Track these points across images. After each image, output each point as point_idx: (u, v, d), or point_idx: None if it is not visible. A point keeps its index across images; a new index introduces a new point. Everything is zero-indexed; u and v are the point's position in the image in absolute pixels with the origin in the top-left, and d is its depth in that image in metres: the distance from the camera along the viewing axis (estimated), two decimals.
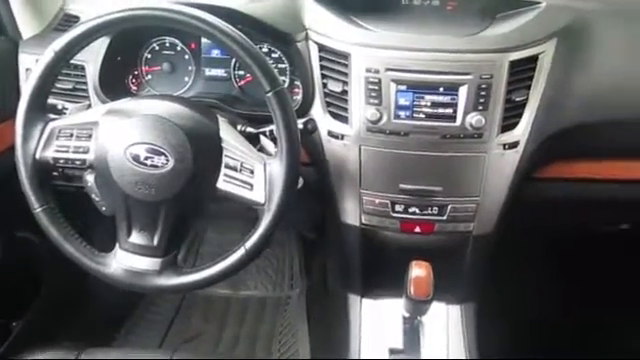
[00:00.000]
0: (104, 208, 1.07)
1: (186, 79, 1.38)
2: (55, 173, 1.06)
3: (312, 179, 1.26)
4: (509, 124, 1.17)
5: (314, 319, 1.85)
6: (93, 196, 1.06)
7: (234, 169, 1.02)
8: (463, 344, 1.35)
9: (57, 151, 1.03)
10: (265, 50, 1.32)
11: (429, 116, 1.16)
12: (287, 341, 1.85)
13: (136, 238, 1.04)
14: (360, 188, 1.25)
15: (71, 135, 1.04)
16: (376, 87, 1.15)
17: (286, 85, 1.33)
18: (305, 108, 1.24)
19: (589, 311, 1.85)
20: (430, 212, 1.24)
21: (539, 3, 1.22)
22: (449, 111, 1.15)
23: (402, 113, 1.16)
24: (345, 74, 1.18)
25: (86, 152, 1.03)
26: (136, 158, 0.98)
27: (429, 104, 1.15)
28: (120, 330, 1.89)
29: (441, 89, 1.15)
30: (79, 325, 1.81)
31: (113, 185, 1.01)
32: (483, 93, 1.14)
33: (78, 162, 1.04)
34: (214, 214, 1.98)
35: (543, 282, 1.90)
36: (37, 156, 1.03)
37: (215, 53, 1.35)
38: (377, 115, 1.16)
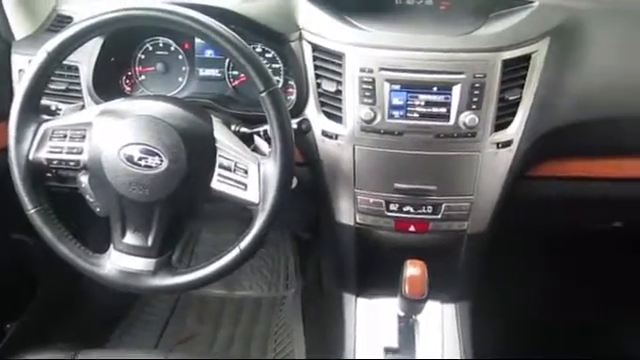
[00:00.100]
0: (98, 209, 1.07)
1: (180, 79, 1.37)
2: (49, 174, 1.06)
3: (306, 179, 1.27)
4: (502, 123, 1.18)
5: (309, 319, 1.85)
6: (87, 197, 1.06)
7: (228, 169, 1.02)
8: (458, 343, 1.35)
9: (50, 152, 1.03)
10: (259, 50, 1.32)
11: (423, 115, 1.16)
12: (282, 341, 1.85)
13: (130, 239, 1.04)
14: (354, 187, 1.25)
15: (65, 136, 1.04)
16: (370, 87, 1.16)
17: (280, 85, 1.33)
18: (299, 108, 1.24)
19: (583, 309, 1.86)
20: (424, 211, 1.24)
21: (532, 2, 1.22)
22: (443, 110, 1.15)
23: (396, 113, 1.16)
24: (339, 74, 1.18)
25: (80, 153, 1.03)
26: (130, 159, 0.98)
27: (423, 103, 1.16)
28: (115, 331, 1.88)
29: (435, 88, 1.15)
30: (74, 326, 1.81)
31: (107, 186, 1.00)
32: (476, 92, 1.14)
33: (72, 163, 1.03)
34: (209, 214, 1.97)
35: (537, 280, 1.91)
36: (30, 157, 1.02)
37: (209, 53, 1.35)
38: (371, 115, 1.16)
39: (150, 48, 1.37)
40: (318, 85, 1.21)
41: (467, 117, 1.14)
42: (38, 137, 1.03)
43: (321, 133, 1.23)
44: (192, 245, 2.18)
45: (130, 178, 0.98)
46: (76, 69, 1.28)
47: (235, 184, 1.02)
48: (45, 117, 1.07)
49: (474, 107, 1.15)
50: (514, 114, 1.18)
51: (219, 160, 1.02)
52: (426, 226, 1.26)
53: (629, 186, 1.36)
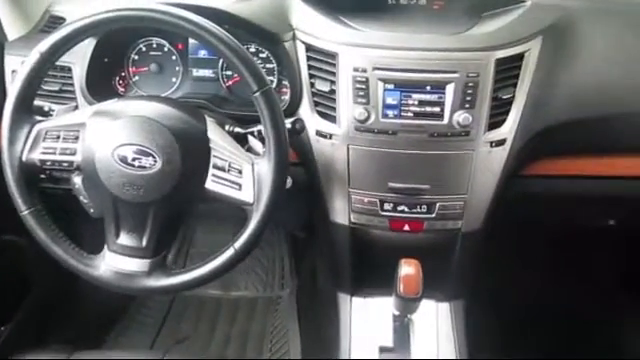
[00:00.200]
0: (92, 210, 1.07)
1: (173, 80, 1.37)
2: (42, 175, 1.06)
3: (301, 179, 1.27)
4: (496, 122, 1.18)
5: (305, 318, 1.85)
6: (81, 198, 1.06)
7: (222, 169, 1.02)
8: (453, 341, 1.35)
9: (44, 153, 1.03)
10: (252, 50, 1.32)
11: (417, 115, 1.16)
12: (278, 341, 1.85)
13: (125, 239, 1.04)
14: (349, 187, 1.25)
15: (58, 137, 1.03)
16: (364, 86, 1.16)
17: (274, 85, 1.33)
18: (293, 108, 1.24)
19: (578, 307, 1.87)
20: (419, 210, 1.25)
21: (524, 1, 1.23)
22: (436, 109, 1.16)
23: (390, 112, 1.17)
24: (333, 73, 1.19)
25: (73, 154, 1.03)
26: (124, 159, 0.98)
27: (416, 103, 1.16)
28: (111, 332, 1.88)
29: (428, 87, 1.15)
30: (69, 327, 1.80)
31: (101, 187, 1.00)
32: (470, 91, 1.14)
33: (65, 164, 1.03)
34: (203, 215, 1.97)
35: (531, 278, 1.91)
36: (24, 158, 1.02)
37: (202, 54, 1.35)
38: (365, 114, 1.16)
39: (143, 49, 1.37)
40: (312, 85, 1.21)
41: (461, 116, 1.15)
42: (31, 138, 1.03)
43: (315, 133, 1.23)
44: (187, 246, 2.17)
45: (124, 179, 0.98)
46: (69, 70, 1.27)
47: (229, 184, 1.02)
48: (38, 118, 1.06)
49: (468, 106, 1.15)
50: (507, 113, 1.19)
51: (213, 160, 1.02)
52: (420, 225, 1.27)
53: (622, 184, 1.36)
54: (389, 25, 1.23)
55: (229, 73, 1.35)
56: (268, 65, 1.33)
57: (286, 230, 2.16)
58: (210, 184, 1.02)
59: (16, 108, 1.02)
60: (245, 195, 1.02)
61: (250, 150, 1.12)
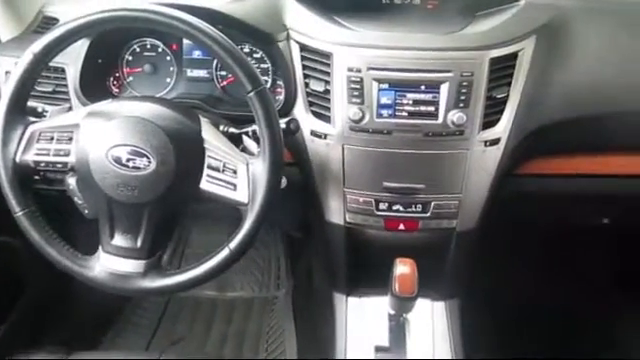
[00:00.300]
0: (86, 211, 1.06)
1: (168, 80, 1.37)
2: (36, 177, 1.05)
3: (296, 179, 1.26)
4: (490, 121, 1.18)
5: (301, 318, 1.85)
6: (75, 199, 1.06)
7: (217, 169, 1.02)
8: (448, 340, 1.36)
9: (38, 154, 1.03)
10: (247, 50, 1.32)
11: (411, 114, 1.16)
12: (274, 341, 1.85)
13: (119, 240, 1.04)
14: (344, 187, 1.25)
15: (52, 138, 1.03)
16: (358, 86, 1.16)
17: (268, 85, 1.32)
18: (288, 108, 1.24)
19: (573, 306, 1.87)
20: (414, 209, 1.25)
21: (518, 1, 1.23)
22: (431, 109, 1.16)
23: (384, 112, 1.17)
24: (327, 73, 1.19)
25: (67, 155, 1.03)
26: (118, 160, 0.98)
27: (411, 102, 1.16)
28: (106, 333, 1.87)
29: (423, 87, 1.15)
30: (64, 328, 1.80)
31: (95, 188, 1.00)
32: (464, 90, 1.14)
33: (59, 165, 1.03)
34: (199, 215, 1.97)
35: (526, 277, 1.92)
36: (17, 159, 1.02)
37: (197, 54, 1.35)
38: (360, 114, 1.16)
39: (137, 49, 1.36)
40: (306, 85, 1.21)
41: (455, 115, 1.15)
42: (25, 139, 1.03)
43: (310, 133, 1.23)
44: (182, 246, 2.17)
45: (118, 180, 0.98)
46: (63, 71, 1.27)
47: (224, 184, 1.02)
48: (32, 119, 1.06)
49: (462, 105, 1.15)
50: (502, 112, 1.19)
51: (208, 161, 1.02)
52: (415, 224, 1.27)
53: (616, 182, 1.37)
54: (383, 25, 1.23)
55: (223, 73, 1.35)
56: (262, 65, 1.33)
57: (282, 230, 2.16)
58: (205, 184, 1.02)
59: (9, 109, 1.01)
60: (240, 195, 1.02)
61: (245, 150, 1.12)
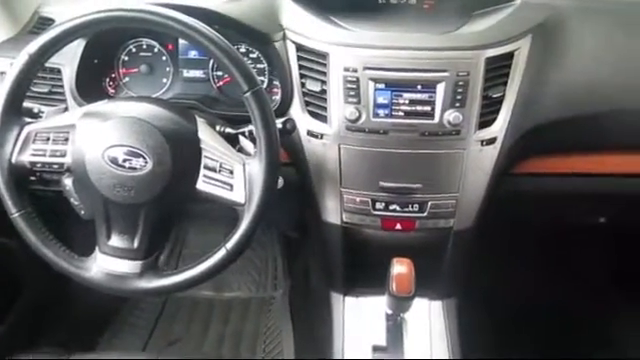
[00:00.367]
0: (83, 212, 1.06)
1: (164, 81, 1.37)
2: (32, 177, 1.05)
3: (292, 179, 1.27)
4: (487, 120, 1.19)
5: (298, 319, 1.85)
6: (72, 200, 1.06)
7: (213, 170, 1.02)
8: (445, 339, 1.36)
9: (34, 155, 1.03)
10: (243, 50, 1.32)
11: (407, 114, 1.16)
12: (272, 341, 1.85)
13: (116, 241, 1.04)
14: (340, 187, 1.25)
15: (48, 139, 1.03)
16: (354, 86, 1.16)
17: (265, 85, 1.33)
18: (284, 108, 1.24)
19: (570, 305, 1.88)
20: (410, 209, 1.25)
21: (514, 0, 1.23)
22: (427, 109, 1.16)
23: (381, 111, 1.17)
24: (323, 73, 1.19)
25: (63, 155, 1.02)
26: (114, 161, 0.97)
27: (407, 102, 1.16)
28: (103, 334, 1.87)
29: (419, 87, 1.15)
30: (61, 329, 1.80)
31: (91, 188, 1.00)
32: (460, 90, 1.14)
33: (55, 166, 1.03)
34: (196, 216, 1.97)
35: (523, 276, 1.92)
36: (13, 160, 1.02)
37: (193, 54, 1.35)
38: (356, 114, 1.16)
39: (133, 49, 1.36)
40: (303, 85, 1.21)
41: (451, 115, 1.15)
42: (21, 140, 1.03)
43: (306, 133, 1.23)
44: (179, 247, 2.17)
45: (114, 180, 0.98)
46: (59, 71, 1.27)
47: (221, 185, 1.02)
48: (28, 120, 1.06)
49: (458, 105, 1.15)
50: (498, 111, 1.19)
51: (204, 161, 1.02)
52: (412, 224, 1.27)
53: (612, 181, 1.37)
54: (379, 25, 1.23)
55: (220, 74, 1.35)
56: (259, 65, 1.33)
57: (279, 231, 2.16)
58: (201, 185, 1.02)
59: (5, 110, 1.01)
60: (236, 195, 1.02)
61: (241, 150, 1.12)
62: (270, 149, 1.00)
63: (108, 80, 1.37)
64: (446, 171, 1.21)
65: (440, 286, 1.41)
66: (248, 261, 2.14)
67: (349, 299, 1.44)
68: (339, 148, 1.21)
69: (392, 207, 1.25)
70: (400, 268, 1.12)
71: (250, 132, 1.14)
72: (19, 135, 1.03)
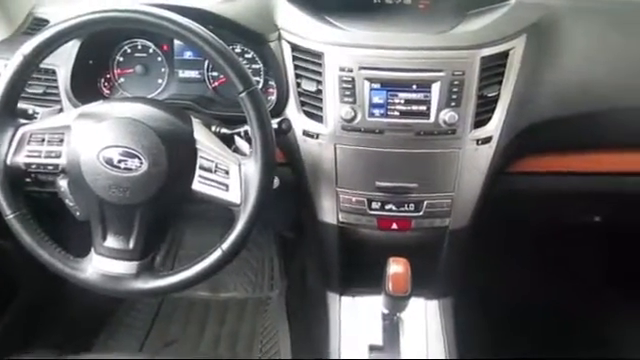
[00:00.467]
0: (78, 213, 1.06)
1: (159, 81, 1.37)
2: (27, 179, 1.05)
3: (288, 179, 1.26)
4: (482, 120, 1.19)
5: (294, 319, 1.85)
6: (67, 201, 1.05)
7: (209, 170, 1.01)
8: (442, 339, 1.36)
9: (28, 156, 1.02)
10: (238, 50, 1.32)
11: (403, 113, 1.17)
12: (268, 342, 1.85)
13: (111, 242, 1.03)
14: (336, 186, 1.25)
15: (42, 140, 1.03)
16: (350, 86, 1.16)
17: (260, 85, 1.33)
18: (280, 108, 1.24)
19: (566, 304, 1.88)
20: (406, 209, 1.25)
21: (508, 0, 1.23)
22: (422, 108, 1.16)
23: (376, 111, 1.17)
24: (319, 73, 1.19)
25: (58, 157, 1.02)
26: (109, 161, 0.97)
27: (403, 101, 1.16)
28: (99, 335, 1.86)
29: (414, 86, 1.15)
30: (58, 330, 1.79)
31: (87, 189, 1.00)
32: (455, 89, 1.15)
33: (50, 167, 1.03)
34: (192, 217, 1.97)
35: (519, 275, 1.93)
36: (8, 162, 1.01)
37: (188, 55, 1.35)
38: (352, 114, 1.16)
39: (128, 50, 1.36)
40: (298, 85, 1.21)
41: (447, 114, 1.15)
42: (15, 141, 1.02)
43: (302, 133, 1.23)
44: (176, 248, 2.17)
45: (110, 181, 0.98)
46: (53, 72, 1.26)
47: (216, 185, 1.02)
48: (22, 121, 1.06)
49: (453, 104, 1.15)
50: (493, 111, 1.19)
51: (200, 161, 1.02)
52: (408, 223, 1.27)
53: (607, 180, 1.38)
54: (375, 24, 1.24)
55: (215, 74, 1.35)
56: (254, 66, 1.33)
57: (275, 231, 2.16)
58: (197, 185, 1.01)
59: (0, 111, 1.01)
60: (232, 196, 1.01)
61: (237, 151, 1.12)
62: (266, 149, 1.00)
63: (103, 81, 1.36)
64: (442, 170, 1.22)
65: (436, 285, 1.41)
66: (244, 261, 2.14)
67: (345, 299, 1.44)
68: (335, 148, 1.21)
69: (388, 207, 1.25)
70: (396, 268, 1.12)
71: (246, 132, 1.14)
72: (14, 136, 1.02)
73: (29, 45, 0.99)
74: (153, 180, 0.98)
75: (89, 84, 1.33)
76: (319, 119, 1.21)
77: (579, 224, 1.82)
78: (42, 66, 1.10)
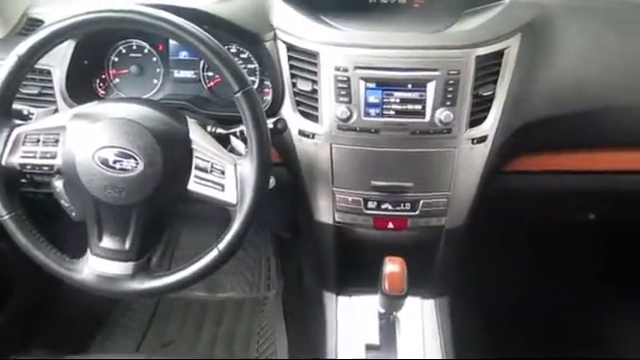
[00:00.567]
0: (74, 213, 1.06)
1: (155, 81, 1.36)
2: (23, 180, 1.05)
3: (284, 179, 1.26)
4: (477, 119, 1.19)
5: (291, 318, 1.85)
6: (62, 202, 1.05)
7: (204, 170, 1.01)
8: (438, 338, 1.36)
9: (24, 157, 1.02)
10: (234, 50, 1.32)
11: (399, 113, 1.17)
12: (265, 341, 1.85)
13: (107, 243, 1.03)
14: (332, 186, 1.25)
15: (38, 140, 1.02)
16: (345, 85, 1.16)
17: (256, 85, 1.32)
18: (275, 108, 1.24)
19: (563, 303, 1.88)
20: (402, 208, 1.25)
21: None
22: (418, 107, 1.16)
23: (372, 111, 1.17)
24: (314, 73, 1.19)
25: (53, 157, 1.02)
26: (105, 162, 0.97)
27: (398, 101, 1.16)
28: (96, 336, 1.86)
29: (409, 86, 1.16)
30: (54, 331, 1.79)
31: (82, 190, 0.99)
32: (451, 89, 1.15)
33: (46, 168, 1.02)
34: (188, 217, 1.97)
35: (516, 275, 1.93)
36: (3, 162, 1.01)
37: (183, 55, 1.35)
38: (347, 113, 1.16)
39: (124, 50, 1.36)
40: (294, 85, 1.21)
41: (442, 113, 1.15)
42: (10, 142, 1.02)
43: (298, 132, 1.23)
44: (172, 248, 2.16)
45: (105, 182, 0.98)
46: (49, 73, 1.26)
47: (212, 185, 1.02)
48: (17, 122, 1.06)
49: (449, 103, 1.16)
50: (488, 110, 1.19)
51: (195, 161, 1.02)
52: (404, 223, 1.27)
53: (603, 178, 1.38)
54: (370, 24, 1.24)
55: (210, 74, 1.35)
56: (249, 65, 1.33)
57: (271, 231, 2.16)
58: (192, 185, 1.01)
59: None
60: (228, 196, 1.01)
61: (232, 151, 1.12)
62: (261, 149, 1.00)
63: (98, 81, 1.36)
64: (437, 169, 1.22)
65: (432, 285, 1.41)
66: (241, 262, 2.14)
67: (342, 298, 1.44)
68: (331, 147, 1.21)
69: (384, 206, 1.25)
70: (392, 267, 1.12)
71: (241, 132, 1.14)
72: (9, 137, 1.02)
73: (24, 46, 0.98)
74: (149, 180, 0.98)
75: (84, 84, 1.32)
76: (315, 119, 1.21)
77: (574, 223, 1.82)
78: (37, 66, 1.10)
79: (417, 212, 1.25)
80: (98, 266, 1.04)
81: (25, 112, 1.18)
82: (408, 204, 1.25)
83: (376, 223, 1.28)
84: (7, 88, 1.00)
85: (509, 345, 1.59)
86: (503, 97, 1.19)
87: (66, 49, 1.23)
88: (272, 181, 1.07)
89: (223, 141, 1.12)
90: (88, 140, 0.99)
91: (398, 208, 1.25)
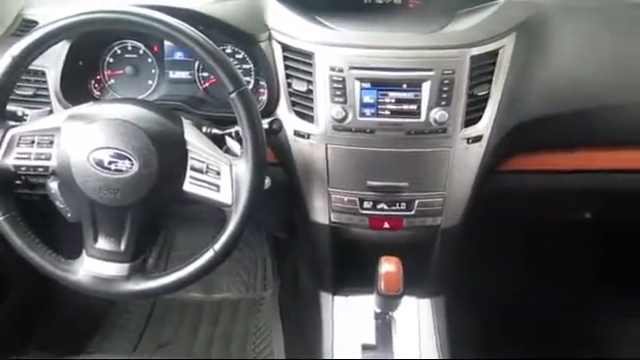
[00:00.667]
0: (69, 215, 1.06)
1: (150, 82, 1.36)
2: (17, 181, 1.05)
3: (280, 179, 1.26)
4: (472, 118, 1.19)
5: (288, 319, 1.85)
6: (57, 203, 1.05)
7: (200, 171, 1.01)
8: (434, 337, 1.36)
9: (18, 158, 1.02)
10: (229, 51, 1.32)
11: (394, 113, 1.17)
12: (262, 342, 1.85)
13: (103, 244, 1.03)
14: (328, 186, 1.25)
15: (32, 142, 1.02)
16: (340, 85, 1.16)
17: (251, 86, 1.32)
18: (270, 108, 1.24)
19: (559, 303, 1.89)
20: (398, 208, 1.25)
21: None
22: (413, 107, 1.16)
23: (367, 111, 1.17)
24: (309, 73, 1.19)
25: (48, 159, 1.02)
26: (100, 163, 0.97)
27: (393, 101, 1.16)
28: (93, 337, 1.86)
29: (404, 86, 1.16)
30: (50, 333, 1.79)
31: (77, 191, 0.99)
32: (446, 88, 1.15)
33: (40, 169, 1.02)
34: (184, 218, 1.96)
35: (512, 275, 1.93)
36: None
37: (178, 55, 1.34)
38: (342, 113, 1.16)
39: (119, 51, 1.35)
40: (289, 85, 1.21)
41: (437, 113, 1.15)
42: (5, 143, 1.02)
43: (293, 133, 1.23)
44: (168, 249, 2.16)
45: (100, 183, 0.97)
46: (43, 74, 1.26)
47: (207, 186, 1.02)
48: (12, 123, 1.05)
49: (444, 103, 1.16)
50: (483, 109, 1.20)
51: (190, 162, 1.01)
52: (400, 222, 1.27)
53: (598, 177, 1.38)
54: (365, 24, 1.24)
55: (205, 75, 1.35)
56: (244, 66, 1.33)
57: (267, 231, 2.16)
58: (188, 186, 1.01)
59: None
60: (223, 196, 1.01)
61: (228, 151, 1.12)
62: (257, 149, 1.00)
63: (93, 82, 1.36)
64: (433, 169, 1.22)
65: (428, 284, 1.41)
66: (237, 262, 2.13)
67: (338, 298, 1.44)
68: (326, 148, 1.21)
69: (380, 206, 1.25)
70: (388, 267, 1.12)
71: (237, 133, 1.14)
72: (3, 138, 1.02)
73: (18, 47, 0.98)
74: (144, 181, 0.98)
75: (79, 85, 1.32)
76: (310, 119, 1.21)
77: (570, 222, 1.83)
78: (31, 67, 1.10)
79: (413, 212, 1.25)
80: (94, 267, 1.04)
81: (20, 113, 1.18)
82: (404, 204, 1.25)
83: (372, 223, 1.28)
84: (1, 89, 1.00)
85: (505, 345, 1.59)
86: (498, 97, 1.19)
87: (61, 50, 1.23)
88: (268, 181, 1.07)
89: (218, 142, 1.12)
90: (83, 141, 0.98)
91: (394, 208, 1.25)
